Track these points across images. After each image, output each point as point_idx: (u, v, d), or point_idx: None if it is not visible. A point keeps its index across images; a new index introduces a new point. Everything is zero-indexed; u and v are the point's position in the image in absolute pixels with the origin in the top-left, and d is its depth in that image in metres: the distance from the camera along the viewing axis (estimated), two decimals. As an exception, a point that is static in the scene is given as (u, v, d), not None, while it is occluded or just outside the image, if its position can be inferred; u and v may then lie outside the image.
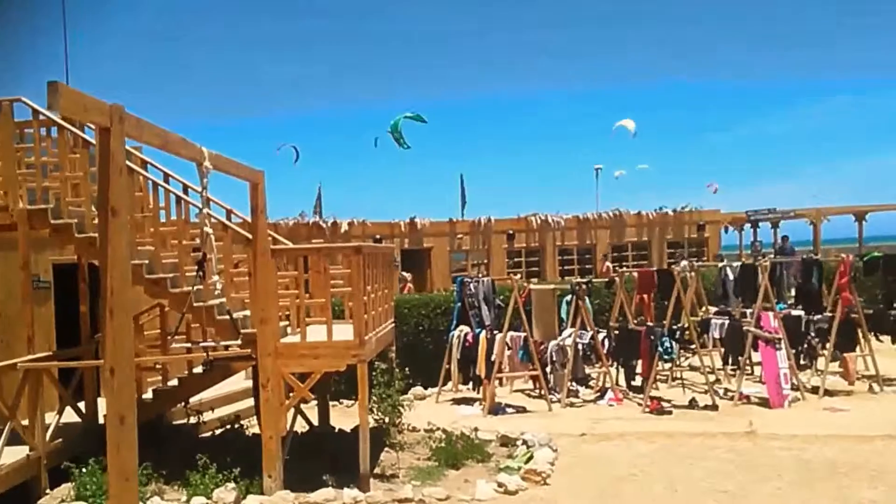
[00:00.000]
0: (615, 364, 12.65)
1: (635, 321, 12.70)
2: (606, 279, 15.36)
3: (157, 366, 9.98)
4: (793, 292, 13.81)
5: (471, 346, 12.04)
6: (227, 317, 7.96)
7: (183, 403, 10.19)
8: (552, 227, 25.20)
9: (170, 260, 8.45)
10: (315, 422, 10.10)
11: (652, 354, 11.55)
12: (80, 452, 8.01)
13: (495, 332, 11.96)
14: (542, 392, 11.85)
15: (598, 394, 12.37)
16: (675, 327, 11.72)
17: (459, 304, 12.69)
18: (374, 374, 8.80)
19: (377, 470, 8.30)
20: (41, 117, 8.48)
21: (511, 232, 24.70)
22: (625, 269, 14.66)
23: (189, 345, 9.20)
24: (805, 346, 12.22)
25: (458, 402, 12.34)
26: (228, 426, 9.95)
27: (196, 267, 6.89)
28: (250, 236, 8.00)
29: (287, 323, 9.00)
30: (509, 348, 11.77)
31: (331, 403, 10.74)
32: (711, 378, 12.03)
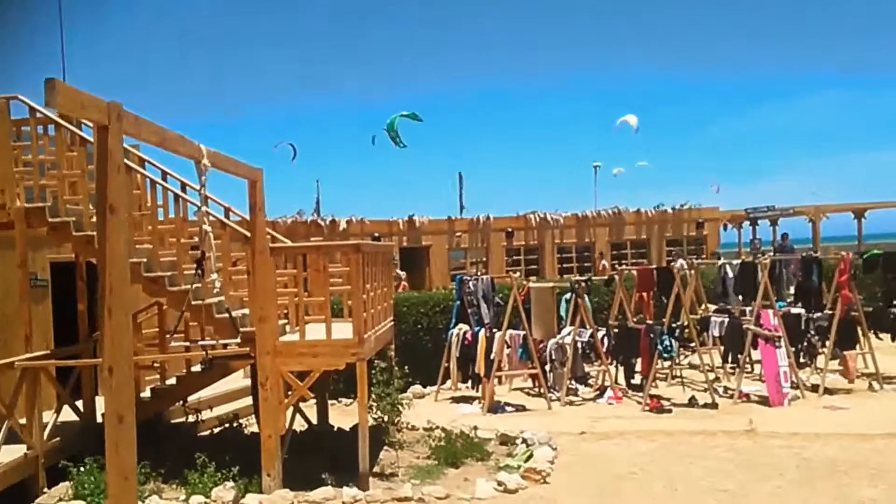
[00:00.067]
0: (614, 362, 12.64)
1: (635, 319, 12.68)
2: (605, 277, 15.34)
3: (156, 364, 9.94)
4: (792, 290, 13.81)
5: (470, 344, 12.02)
6: (226, 315, 7.93)
7: (181, 402, 10.16)
8: (551, 225, 25.21)
9: (168, 258, 8.43)
10: (314, 420, 10.07)
11: (651, 353, 11.54)
12: (78, 451, 7.98)
13: (494, 330, 11.94)
14: (542, 390, 11.84)
15: (598, 392, 12.36)
16: (674, 325, 11.71)
17: (458, 302, 12.67)
18: (373, 372, 8.77)
19: (376, 468, 8.27)
20: (38, 115, 8.45)
21: (510, 230, 24.71)
22: (624, 267, 14.64)
23: (187, 343, 9.18)
24: (805, 344, 12.22)
25: (457, 400, 12.32)
26: (227, 425, 9.91)
27: (195, 265, 6.86)
28: (249, 234, 7.96)
29: (286, 321, 8.98)
30: (508, 347, 11.76)
31: (329, 402, 10.72)
32: (711, 376, 12.03)
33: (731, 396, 11.50)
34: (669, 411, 11.00)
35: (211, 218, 7.52)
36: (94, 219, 6.60)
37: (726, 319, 12.13)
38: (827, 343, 11.96)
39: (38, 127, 8.57)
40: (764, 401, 11.21)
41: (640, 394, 11.71)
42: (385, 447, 8.97)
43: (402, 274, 19.72)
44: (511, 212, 25.46)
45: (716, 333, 12.47)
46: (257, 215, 7.75)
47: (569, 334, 12.07)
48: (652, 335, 11.48)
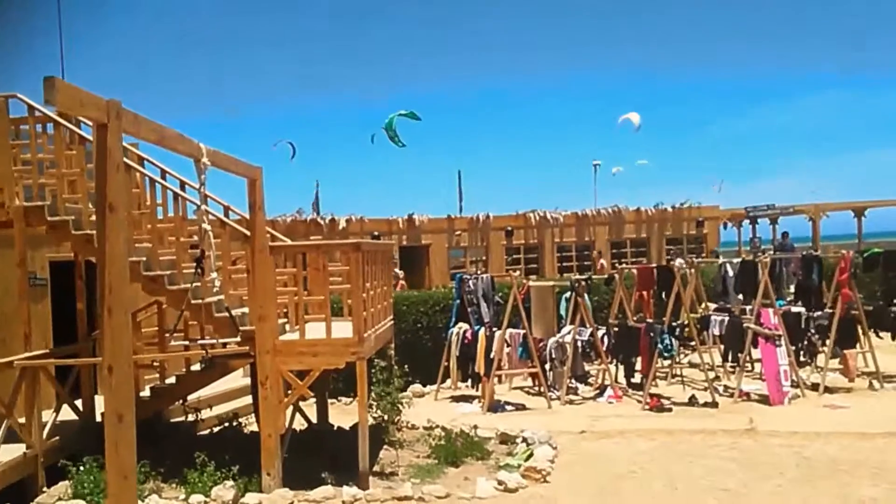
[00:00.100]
0: (614, 361, 12.63)
1: (635, 318, 12.67)
2: (605, 276, 15.33)
3: (155, 363, 9.93)
4: (792, 289, 13.80)
5: (470, 343, 12.01)
6: (226, 314, 7.91)
7: (181, 401, 10.14)
8: (551, 224, 25.21)
9: (167, 257, 8.41)
10: (314, 419, 10.06)
11: (651, 351, 11.53)
12: (77, 450, 7.97)
13: (494, 329, 11.93)
14: (542, 389, 11.82)
15: (598, 391, 12.35)
16: (674, 324, 11.70)
17: (458, 301, 12.66)
18: (373, 371, 8.76)
19: (376, 468, 8.26)
20: (37, 113, 8.43)
21: (510, 228, 24.70)
22: (624, 265, 14.63)
23: (187, 342, 9.16)
24: (805, 342, 12.21)
25: (456, 399, 12.31)
26: (226, 424, 9.90)
27: (194, 264, 6.85)
28: (248, 233, 7.95)
29: (286, 320, 8.96)
30: (508, 345, 11.74)
31: (329, 401, 10.70)
32: (711, 375, 12.01)
33: (732, 395, 11.49)
34: (669, 410, 10.99)
35: (210, 216, 7.50)
36: (94, 217, 6.58)
37: (726, 318, 12.12)
38: (827, 342, 11.95)
39: (36, 125, 8.55)
40: (764, 399, 11.20)
41: (641, 393, 11.70)
42: (385, 446, 8.96)
43: (400, 273, 19.71)
44: (511, 210, 25.47)
45: (716, 332, 12.46)
46: (257, 214, 7.73)
47: (569, 333, 12.05)
48: (652, 334, 11.47)
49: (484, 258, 24.62)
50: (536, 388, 12.39)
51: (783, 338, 11.45)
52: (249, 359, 8.11)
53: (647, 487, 7.67)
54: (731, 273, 12.90)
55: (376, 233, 22.41)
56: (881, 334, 12.72)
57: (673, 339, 11.46)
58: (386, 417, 9.06)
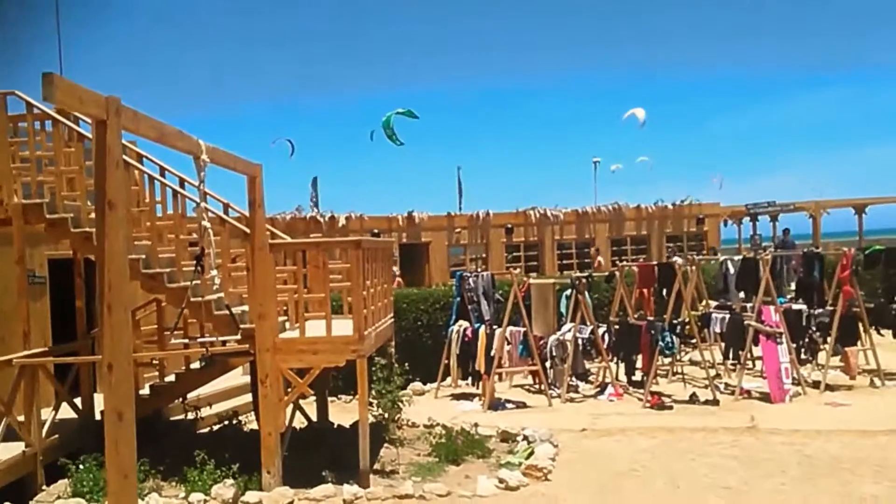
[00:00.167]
0: (615, 359, 12.60)
1: (635, 316, 12.65)
2: (606, 273, 15.30)
3: (155, 361, 9.91)
4: (793, 286, 13.77)
5: (470, 341, 11.98)
6: (226, 312, 7.88)
7: (181, 399, 10.13)
8: (551, 221, 25.16)
9: (167, 255, 8.38)
10: (314, 418, 10.04)
11: (652, 349, 11.52)
12: (77, 449, 7.96)
13: (495, 326, 11.90)
14: (542, 387, 11.80)
15: (599, 389, 12.33)
16: (675, 322, 11.69)
17: (458, 298, 12.63)
18: (373, 369, 8.74)
19: (377, 466, 8.24)
20: (35, 111, 8.39)
21: (510, 226, 24.64)
22: (624, 262, 14.60)
23: (186, 340, 9.13)
24: (806, 340, 12.19)
25: (457, 397, 12.29)
26: (226, 422, 9.88)
27: (194, 262, 6.82)
28: (248, 231, 7.92)
29: (286, 318, 8.93)
30: (509, 343, 11.71)
31: (329, 399, 10.68)
32: (712, 373, 11.99)
33: (733, 393, 11.46)
34: (670, 408, 10.97)
35: (210, 214, 7.47)
36: (93, 215, 6.56)
37: (727, 316, 12.10)
38: (828, 339, 11.93)
39: (35, 123, 8.51)
40: (765, 397, 11.19)
41: (641, 390, 11.68)
42: (385, 444, 8.94)
43: (397, 271, 19.67)
44: (511, 208, 25.40)
45: (717, 330, 12.43)
46: (256, 211, 7.70)
47: (569, 331, 12.03)
48: (653, 332, 11.45)
49: (484, 256, 24.58)
50: (537, 386, 12.37)
51: (784, 335, 11.43)
52: (249, 357, 8.09)
53: (649, 485, 7.65)
54: (732, 270, 12.87)
55: (376, 230, 22.37)
56: (882, 331, 12.72)
57: (674, 337, 11.44)
58: (386, 415, 9.04)
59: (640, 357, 12.14)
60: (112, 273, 4.50)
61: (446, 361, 12.28)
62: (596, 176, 30.77)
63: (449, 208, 24.96)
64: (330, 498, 7.29)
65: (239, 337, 7.86)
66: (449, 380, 12.47)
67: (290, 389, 7.95)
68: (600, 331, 12.22)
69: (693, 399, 11.26)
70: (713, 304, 13.47)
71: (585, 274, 13.42)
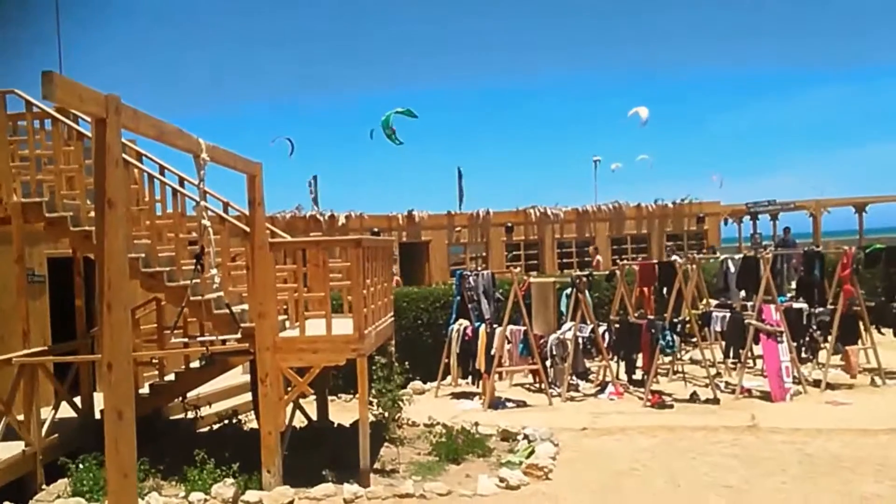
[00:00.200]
0: (616, 358, 12.59)
1: (636, 314, 12.64)
2: (606, 272, 15.29)
3: (154, 360, 9.90)
4: (794, 285, 13.76)
5: (470, 340, 11.97)
6: (225, 311, 7.86)
7: (180, 398, 10.11)
8: (551, 220, 25.13)
9: (166, 254, 8.36)
10: (314, 417, 10.02)
11: (653, 348, 11.50)
12: (77, 448, 7.95)
13: (495, 325, 11.89)
14: (543, 386, 11.78)
15: (599, 388, 12.31)
16: (675, 320, 11.67)
17: (459, 297, 12.62)
18: (373, 368, 8.72)
19: (377, 465, 8.23)
20: (35, 109, 8.37)
21: (510, 224, 24.62)
22: (624, 261, 14.57)
23: (186, 339, 9.12)
24: (807, 339, 12.17)
25: (457, 396, 12.28)
26: (226, 421, 9.87)
27: (193, 260, 6.80)
28: (248, 229, 7.90)
29: (286, 317, 8.92)
30: (509, 342, 11.70)
31: (329, 398, 10.67)
32: (713, 371, 11.97)
33: (733, 392, 11.45)
34: (671, 407, 10.96)
35: (210, 213, 7.46)
36: (92, 214, 6.54)
37: (728, 314, 12.08)
38: (829, 338, 11.91)
39: (34, 121, 8.49)
40: (766, 396, 11.17)
41: (642, 389, 11.67)
42: (385, 443, 8.93)
43: (395, 269, 19.64)
44: (511, 207, 25.37)
45: (717, 328, 12.40)
46: (256, 210, 7.68)
47: (570, 329, 12.02)
48: (653, 330, 11.44)
49: (484, 254, 24.57)
50: (537, 385, 12.36)
51: (785, 334, 11.42)
52: (249, 356, 8.07)
53: (649, 484, 7.63)
54: (732, 269, 12.86)
55: (376, 229, 22.35)
56: (883, 330, 12.70)
57: (674, 336, 11.42)
58: (386, 414, 9.03)
59: (640, 356, 12.12)
60: (112, 272, 4.48)
61: (446, 360, 12.27)
62: (596, 175, 30.78)
63: (449, 207, 24.94)
64: (330, 497, 7.27)
65: (239, 336, 7.84)
66: (449, 379, 12.46)
67: (290, 388, 7.93)
68: (601, 329, 12.20)
69: (694, 398, 11.25)
70: (713, 302, 13.45)
71: (586, 273, 13.40)
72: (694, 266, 12.45)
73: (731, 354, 12.41)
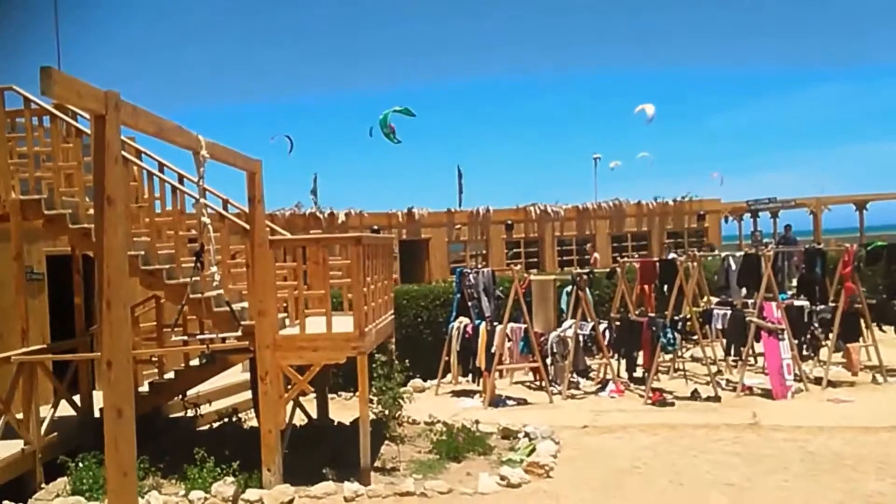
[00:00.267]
0: (616, 355, 12.56)
1: (636, 312, 12.61)
2: (607, 270, 15.26)
3: (154, 358, 9.87)
4: (794, 282, 13.73)
5: (470, 337, 11.93)
6: (225, 308, 7.84)
7: (180, 396, 10.09)
8: (551, 218, 25.07)
9: (166, 251, 8.33)
10: (314, 415, 10.00)
11: (653, 345, 11.47)
12: (76, 446, 7.93)
13: (495, 323, 11.86)
14: (543, 384, 11.76)
15: (600, 385, 12.29)
16: (676, 318, 11.64)
17: (459, 295, 12.59)
18: (373, 366, 8.69)
19: (378, 463, 8.21)
20: (33, 106, 8.33)
21: (510, 222, 24.56)
22: (625, 259, 14.55)
23: (186, 337, 9.09)
24: (808, 336, 12.15)
25: (457, 394, 12.25)
26: (226, 419, 9.85)
27: (193, 258, 6.77)
28: (248, 227, 7.87)
29: (285, 315, 8.89)
30: (509, 340, 11.67)
31: (329, 396, 10.64)
32: (714, 369, 11.95)
33: (734, 389, 11.42)
34: (672, 405, 10.93)
35: (209, 210, 7.42)
36: (91, 211, 6.51)
37: (729, 312, 12.06)
38: (830, 335, 11.89)
39: (33, 118, 8.45)
40: (767, 394, 11.15)
41: (643, 387, 11.65)
42: (386, 441, 8.90)
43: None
44: (511, 204, 25.31)
45: (718, 326, 12.39)
46: (256, 207, 7.65)
47: (570, 327, 11.99)
48: (654, 328, 11.41)
49: (484, 252, 24.52)
50: (538, 383, 12.34)
51: (786, 332, 11.40)
52: (249, 354, 8.04)
53: (651, 482, 7.61)
54: (733, 267, 12.83)
55: (376, 227, 22.30)
56: (884, 328, 12.68)
57: (675, 333, 11.39)
58: (387, 412, 9.00)
59: (641, 354, 12.09)
60: (111, 269, 4.45)
61: (447, 358, 12.24)
62: (596, 172, 30.72)
63: (449, 205, 24.87)
64: (331, 495, 7.25)
65: (239, 334, 7.81)
66: (449, 377, 12.43)
67: (290, 386, 7.91)
68: (601, 327, 12.18)
69: (695, 396, 11.23)
70: (714, 300, 13.43)
71: (586, 270, 13.37)
72: (695, 263, 12.42)
73: (733, 352, 12.38)
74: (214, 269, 6.72)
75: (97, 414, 8.43)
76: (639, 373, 12.38)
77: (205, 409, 10.28)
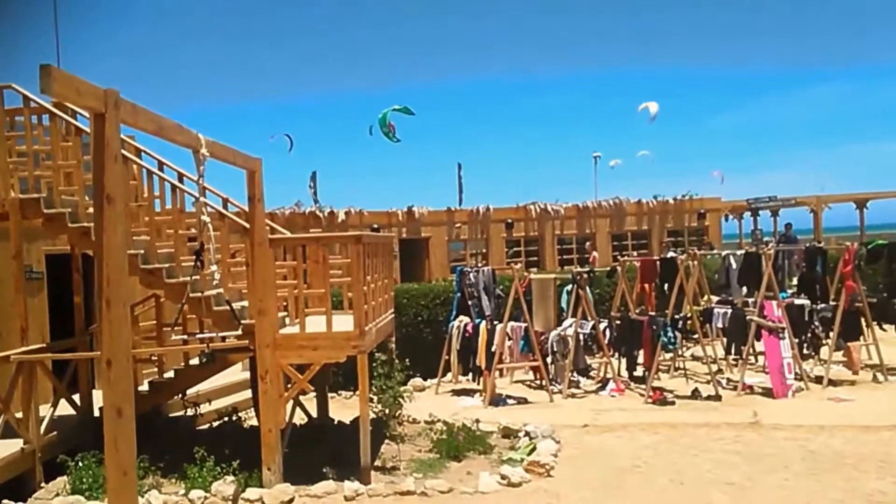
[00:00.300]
0: (617, 354, 12.55)
1: (637, 311, 12.60)
2: (608, 268, 15.24)
3: (154, 357, 9.86)
4: (795, 281, 13.71)
5: (471, 336, 11.92)
6: (225, 307, 7.82)
7: (180, 395, 10.07)
8: (551, 216, 25.05)
9: (166, 250, 8.31)
10: (314, 414, 9.99)
11: (654, 344, 11.46)
12: (76, 445, 7.92)
13: (496, 322, 11.85)
14: (544, 383, 11.75)
15: (600, 384, 12.28)
16: (677, 317, 11.63)
17: (459, 294, 12.58)
18: (373, 365, 8.68)
19: (378, 462, 8.19)
20: (32, 104, 8.32)
21: (510, 221, 24.54)
22: (626, 257, 14.53)
23: (186, 336, 9.08)
24: (809, 335, 12.14)
25: (457, 393, 12.24)
26: (226, 418, 9.83)
27: (193, 257, 6.76)
28: (248, 225, 7.85)
29: (286, 314, 8.88)
30: (510, 339, 11.66)
31: (329, 395, 10.63)
32: (714, 368, 11.93)
33: (735, 388, 11.41)
34: (672, 403, 10.92)
35: (209, 209, 7.40)
36: (90, 210, 6.49)
37: (729, 311, 12.05)
38: (831, 334, 11.88)
39: (32, 116, 8.43)
40: (768, 392, 11.14)
41: (643, 386, 11.64)
42: (386, 441, 8.89)
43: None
44: (511, 203, 25.28)
45: (719, 325, 12.38)
46: (256, 206, 7.63)
47: (570, 326, 11.98)
48: (654, 327, 11.40)
49: (484, 251, 24.50)
50: (538, 382, 12.33)
51: (787, 330, 11.38)
52: (249, 353, 8.03)
53: (652, 481, 7.60)
54: (734, 265, 12.81)
55: (376, 225, 22.28)
56: (885, 326, 12.67)
57: (676, 332, 11.39)
58: (387, 411, 8.99)
59: (641, 352, 12.08)
60: (110, 268, 4.44)
61: (447, 357, 12.23)
62: (596, 171, 30.68)
63: (449, 203, 24.85)
64: (331, 494, 7.24)
65: (239, 333, 7.80)
66: (449, 375, 12.43)
67: (290, 385, 7.89)
68: (602, 326, 12.17)
69: (695, 394, 11.22)
70: (715, 299, 13.42)
71: (586, 269, 13.36)
72: (695, 262, 12.41)
73: (733, 351, 12.39)
74: (214, 267, 6.70)
75: (97, 413, 8.42)
76: (639, 372, 12.38)
77: (205, 408, 10.26)
